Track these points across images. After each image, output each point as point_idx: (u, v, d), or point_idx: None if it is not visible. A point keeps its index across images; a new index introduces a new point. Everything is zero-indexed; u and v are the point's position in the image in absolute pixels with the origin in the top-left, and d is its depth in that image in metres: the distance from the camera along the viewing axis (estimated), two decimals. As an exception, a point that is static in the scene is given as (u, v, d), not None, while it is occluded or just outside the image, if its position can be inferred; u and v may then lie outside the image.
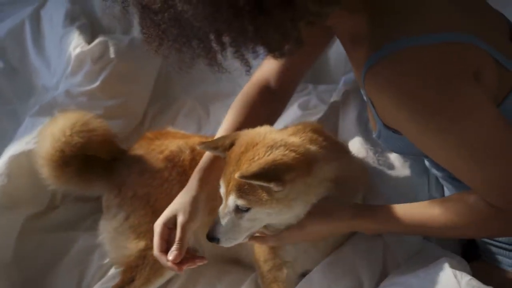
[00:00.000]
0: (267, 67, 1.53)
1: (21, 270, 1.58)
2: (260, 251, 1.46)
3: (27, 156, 1.66)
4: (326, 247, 1.39)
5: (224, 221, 1.28)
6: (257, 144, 1.26)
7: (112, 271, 1.57)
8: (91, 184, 1.62)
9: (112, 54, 1.98)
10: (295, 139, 1.27)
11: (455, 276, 1.19)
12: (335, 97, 1.73)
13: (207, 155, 1.40)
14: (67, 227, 1.69)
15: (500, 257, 1.34)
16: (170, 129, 1.75)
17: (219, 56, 1.06)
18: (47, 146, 1.56)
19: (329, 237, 1.36)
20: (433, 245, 1.42)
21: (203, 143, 1.35)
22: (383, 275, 1.36)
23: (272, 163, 1.20)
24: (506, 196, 1.13)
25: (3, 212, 1.61)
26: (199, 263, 1.34)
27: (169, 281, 1.54)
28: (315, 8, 1.00)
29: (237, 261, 1.57)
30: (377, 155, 1.51)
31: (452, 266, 1.23)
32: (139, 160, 1.59)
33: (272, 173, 1.19)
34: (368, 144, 1.54)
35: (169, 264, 1.29)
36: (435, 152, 1.17)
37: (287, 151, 1.23)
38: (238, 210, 1.26)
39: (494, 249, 1.35)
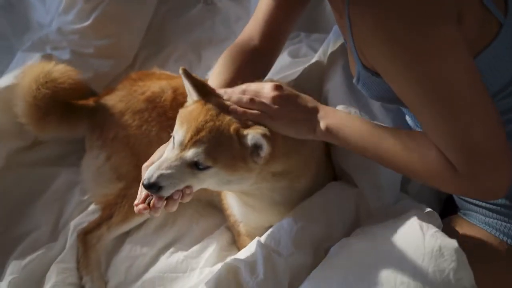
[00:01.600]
0: (250, 27, 1.49)
1: (2, 203, 1.61)
2: (223, 204, 1.48)
3: (13, 90, 1.66)
4: (274, 211, 1.38)
5: (173, 170, 1.14)
6: None
7: (92, 207, 1.60)
8: (75, 127, 1.65)
9: (104, -6, 1.96)
10: None
11: (421, 228, 1.18)
12: (324, 47, 1.71)
13: None
14: (50, 163, 1.72)
15: (471, 213, 1.33)
16: (156, 70, 1.75)
17: None
18: (22, 104, 1.59)
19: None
20: (408, 198, 1.41)
21: (188, 72, 1.20)
22: (355, 225, 1.36)
23: (267, 132, 1.14)
24: (461, 152, 1.08)
25: (-14, 144, 1.64)
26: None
27: (147, 220, 1.56)
28: None
29: (213, 205, 1.59)
30: (360, 104, 1.50)
31: (420, 218, 1.22)
32: (120, 101, 1.60)
33: (271, 141, 1.14)
34: (352, 94, 1.53)
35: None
36: (406, 94, 1.12)
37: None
38: (193, 165, 1.15)
39: (466, 204, 1.35)
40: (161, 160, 1.16)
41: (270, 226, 1.37)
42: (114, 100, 1.61)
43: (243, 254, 1.34)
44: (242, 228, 1.47)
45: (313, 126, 1.21)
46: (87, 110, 1.63)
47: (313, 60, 1.70)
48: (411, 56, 1.06)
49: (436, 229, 1.20)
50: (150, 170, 1.14)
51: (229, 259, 1.34)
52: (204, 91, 1.20)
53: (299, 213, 1.37)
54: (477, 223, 1.32)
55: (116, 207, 1.52)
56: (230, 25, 2.14)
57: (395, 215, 1.29)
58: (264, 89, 1.20)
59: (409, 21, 1.04)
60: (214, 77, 1.37)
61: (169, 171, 1.13)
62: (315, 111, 1.22)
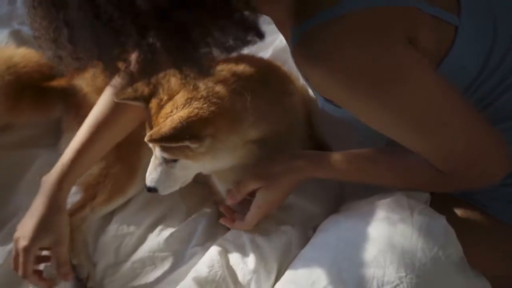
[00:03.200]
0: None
1: (-20, 189, 1.57)
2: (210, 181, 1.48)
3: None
4: None
5: (157, 171, 1.25)
6: (178, 92, 1.19)
7: (73, 188, 1.55)
8: (49, 110, 1.60)
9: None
10: (220, 89, 1.20)
11: (409, 205, 1.19)
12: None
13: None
14: (27, 144, 1.66)
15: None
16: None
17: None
18: None
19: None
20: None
21: (121, 94, 1.24)
22: (341, 200, 1.37)
23: (185, 120, 1.13)
24: (448, 162, 1.13)
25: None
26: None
27: (132, 197, 1.54)
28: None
29: (199, 180, 1.57)
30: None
31: (407, 195, 1.22)
32: (95, 79, 1.53)
33: (185, 131, 1.13)
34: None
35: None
36: (377, 124, 1.14)
37: (205, 104, 1.16)
38: (167, 160, 1.22)
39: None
40: (150, 165, 1.27)
41: None
42: (88, 79, 1.55)
43: (230, 235, 1.35)
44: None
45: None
46: (61, 91, 1.57)
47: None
48: (375, 91, 1.04)
49: (424, 205, 1.21)
50: (146, 177, 1.27)
51: (218, 240, 1.34)
52: (144, 98, 1.23)
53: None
54: (459, 196, 1.32)
55: (98, 187, 1.48)
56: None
57: (381, 191, 1.28)
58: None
59: (359, 57, 1.01)
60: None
61: (155, 173, 1.25)
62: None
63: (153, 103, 1.21)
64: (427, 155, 1.14)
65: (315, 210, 1.36)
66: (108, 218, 1.52)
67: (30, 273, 1.29)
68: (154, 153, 1.24)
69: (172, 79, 1.20)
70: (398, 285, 1.11)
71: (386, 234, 1.16)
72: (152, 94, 1.22)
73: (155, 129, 1.14)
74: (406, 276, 1.11)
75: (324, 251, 1.22)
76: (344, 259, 1.17)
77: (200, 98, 1.16)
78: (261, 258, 1.28)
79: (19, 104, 1.54)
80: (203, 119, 1.15)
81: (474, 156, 1.11)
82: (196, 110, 1.15)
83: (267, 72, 1.32)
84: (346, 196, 1.37)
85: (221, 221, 1.36)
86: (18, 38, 1.75)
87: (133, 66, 0.95)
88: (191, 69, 0.94)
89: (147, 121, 1.25)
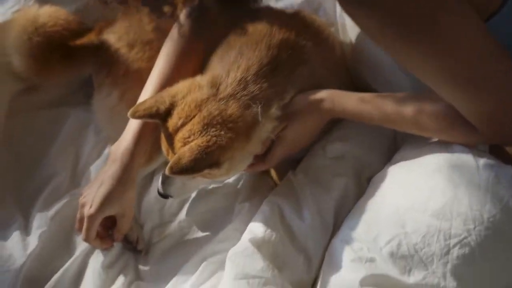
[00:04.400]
0: None
1: (14, 151, 1.51)
2: None
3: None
4: None
5: (172, 181, 1.25)
6: (194, 116, 1.17)
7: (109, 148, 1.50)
8: (80, 69, 1.52)
9: None
10: (232, 109, 1.18)
11: (473, 155, 1.14)
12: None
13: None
14: (57, 103, 1.59)
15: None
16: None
17: None
18: (18, 59, 1.45)
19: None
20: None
21: (136, 111, 1.22)
22: (393, 151, 1.32)
23: (204, 150, 1.13)
24: (483, 117, 1.10)
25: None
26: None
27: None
28: None
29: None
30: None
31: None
32: (127, 33, 1.46)
33: (205, 161, 1.14)
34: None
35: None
36: (412, 67, 1.11)
37: (222, 131, 1.15)
38: None
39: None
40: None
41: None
42: (119, 33, 1.47)
43: (282, 190, 1.31)
44: None
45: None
46: (91, 48, 1.49)
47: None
48: (413, 34, 1.02)
49: (488, 155, 1.16)
50: (159, 184, 1.27)
51: (269, 196, 1.31)
52: (160, 115, 1.21)
53: (333, 136, 1.33)
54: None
55: None
56: None
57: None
58: None
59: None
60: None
61: (170, 182, 1.25)
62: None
63: (170, 124, 1.19)
64: (461, 107, 1.10)
65: (369, 159, 1.31)
66: (149, 178, 1.48)
67: (92, 239, 1.29)
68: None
69: (186, 99, 1.19)
70: (466, 237, 1.07)
71: (451, 186, 1.11)
72: (169, 112, 1.20)
73: (174, 160, 1.13)
74: (474, 228, 1.07)
75: (382, 204, 1.17)
76: (406, 211, 1.12)
77: (216, 124, 1.16)
78: (317, 212, 1.24)
79: (49, 66, 1.47)
80: (221, 147, 1.15)
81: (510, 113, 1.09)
82: (214, 139, 1.15)
83: (272, 54, 1.26)
84: (400, 144, 1.32)
85: None
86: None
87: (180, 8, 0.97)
88: None
89: (165, 137, 1.22)
